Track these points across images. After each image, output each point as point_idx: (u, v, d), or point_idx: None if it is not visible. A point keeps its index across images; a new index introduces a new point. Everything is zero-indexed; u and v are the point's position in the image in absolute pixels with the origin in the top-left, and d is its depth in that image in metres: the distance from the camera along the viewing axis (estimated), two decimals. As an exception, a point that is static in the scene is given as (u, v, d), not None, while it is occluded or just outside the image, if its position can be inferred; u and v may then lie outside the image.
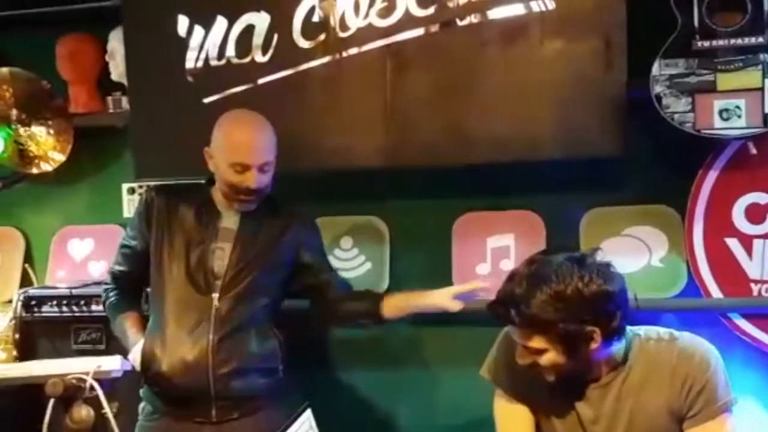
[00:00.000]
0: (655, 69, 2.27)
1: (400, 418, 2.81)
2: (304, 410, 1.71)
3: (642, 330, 1.77)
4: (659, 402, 1.69)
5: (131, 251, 2.21)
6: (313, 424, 1.73)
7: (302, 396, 1.76)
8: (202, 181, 2.72)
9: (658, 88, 2.27)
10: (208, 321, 2.08)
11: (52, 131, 2.93)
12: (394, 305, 2.20)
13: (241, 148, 2.06)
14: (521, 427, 1.80)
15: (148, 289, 2.24)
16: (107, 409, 1.37)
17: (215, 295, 2.09)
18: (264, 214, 2.18)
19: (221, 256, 2.12)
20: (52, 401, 1.38)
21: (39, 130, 2.93)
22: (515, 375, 1.79)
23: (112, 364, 1.43)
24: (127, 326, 2.17)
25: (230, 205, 2.16)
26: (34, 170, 2.94)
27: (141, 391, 2.17)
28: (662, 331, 1.77)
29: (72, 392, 1.38)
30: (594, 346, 1.64)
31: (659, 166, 2.54)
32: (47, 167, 2.95)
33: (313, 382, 2.79)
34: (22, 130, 2.93)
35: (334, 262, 2.81)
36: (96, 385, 1.36)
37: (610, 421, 1.72)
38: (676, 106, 2.27)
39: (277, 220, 2.20)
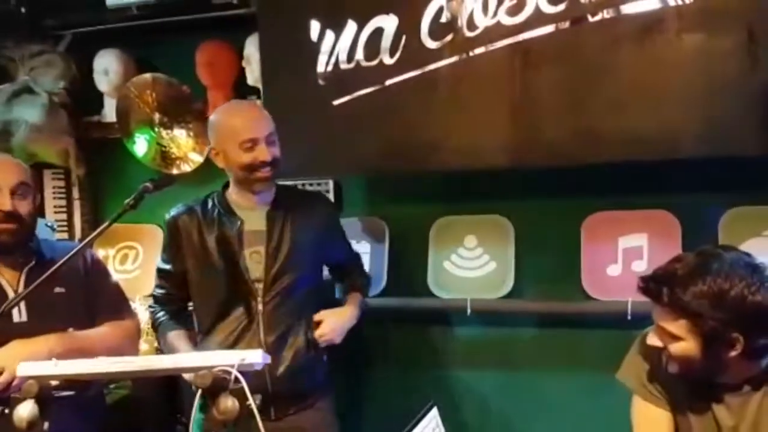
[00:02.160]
0: (804, 63, 2.14)
1: (526, 420, 2.79)
2: (429, 409, 1.71)
3: None
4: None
5: (167, 274, 2.25)
6: (440, 422, 1.73)
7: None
8: (329, 181, 2.83)
9: (806, 84, 2.13)
10: (258, 325, 2.14)
11: (191, 134, 3.09)
12: None
13: (245, 125, 2.12)
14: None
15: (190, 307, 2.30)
16: (251, 401, 1.41)
17: (260, 299, 2.14)
18: (286, 206, 2.21)
19: (258, 260, 2.16)
20: (199, 392, 1.42)
21: (180, 133, 3.10)
22: (656, 379, 1.75)
23: (255, 357, 1.46)
24: (181, 344, 2.18)
25: (249, 201, 2.18)
26: (175, 171, 3.12)
27: None
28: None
29: (218, 383, 1.41)
30: (732, 353, 1.58)
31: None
32: (186, 168, 3.12)
33: (439, 382, 2.82)
34: (164, 133, 3.12)
35: (458, 261, 2.84)
36: (241, 377, 1.40)
37: (750, 428, 1.65)
38: (827, 102, 2.12)
39: (301, 207, 2.23)
